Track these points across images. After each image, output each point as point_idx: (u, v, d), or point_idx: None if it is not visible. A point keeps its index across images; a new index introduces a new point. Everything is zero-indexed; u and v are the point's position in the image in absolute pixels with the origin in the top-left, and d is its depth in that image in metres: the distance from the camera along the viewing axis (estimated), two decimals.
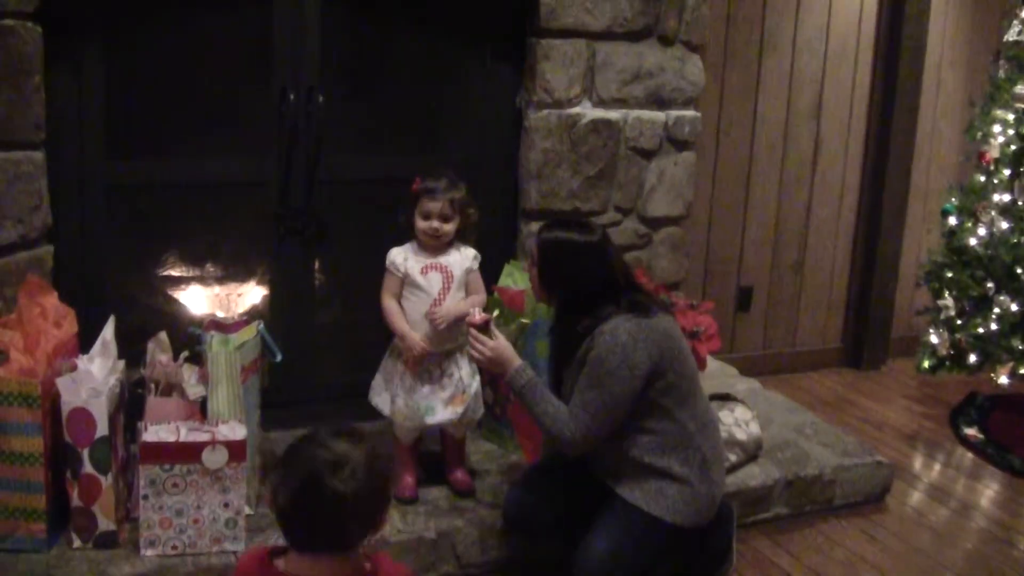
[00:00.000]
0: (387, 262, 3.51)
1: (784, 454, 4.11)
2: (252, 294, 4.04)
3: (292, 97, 3.76)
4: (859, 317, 5.76)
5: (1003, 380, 5.01)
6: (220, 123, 3.82)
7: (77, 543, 3.12)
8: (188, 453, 3.08)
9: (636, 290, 3.25)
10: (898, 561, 3.77)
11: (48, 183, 3.42)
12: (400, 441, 3.60)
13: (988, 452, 4.73)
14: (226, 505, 3.13)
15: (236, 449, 3.11)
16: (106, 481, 3.09)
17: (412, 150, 4.16)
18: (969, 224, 4.90)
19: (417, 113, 4.16)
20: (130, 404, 3.31)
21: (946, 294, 4.99)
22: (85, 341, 3.27)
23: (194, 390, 3.28)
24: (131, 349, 3.35)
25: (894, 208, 5.61)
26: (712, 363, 4.68)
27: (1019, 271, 4.70)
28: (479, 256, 3.59)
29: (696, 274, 5.19)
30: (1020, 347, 4.73)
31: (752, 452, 3.99)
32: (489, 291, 3.80)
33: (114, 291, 3.74)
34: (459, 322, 3.47)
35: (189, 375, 3.32)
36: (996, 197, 4.85)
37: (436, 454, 3.72)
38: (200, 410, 3.26)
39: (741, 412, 4.00)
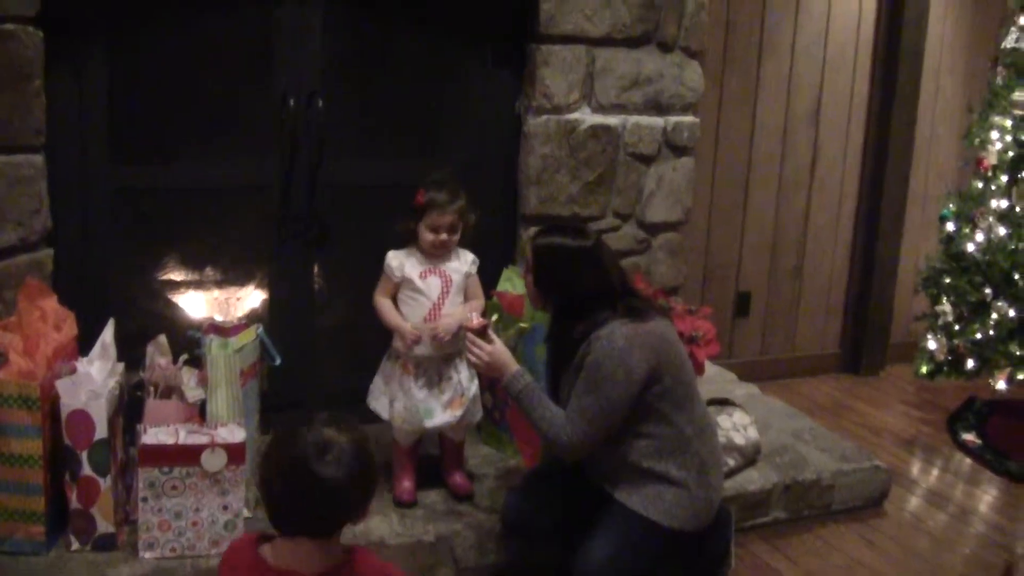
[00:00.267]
0: (385, 264, 3.52)
1: (782, 459, 4.12)
2: (252, 298, 4.05)
3: (293, 102, 3.77)
4: (857, 323, 5.76)
5: (1001, 385, 5.02)
6: (221, 127, 3.82)
7: (76, 545, 3.13)
8: (187, 456, 3.09)
9: (632, 295, 3.25)
10: (896, 566, 3.77)
11: (48, 186, 3.43)
12: (399, 444, 3.61)
13: (986, 457, 4.73)
14: (225, 508, 3.14)
15: (235, 452, 3.12)
16: (105, 483, 3.10)
17: (413, 154, 4.17)
18: (967, 230, 4.91)
19: (418, 117, 4.17)
20: (129, 407, 3.31)
21: (944, 300, 5.00)
22: (84, 344, 3.28)
23: (193, 393, 3.29)
24: (130, 352, 3.36)
25: (892, 214, 5.62)
26: (710, 368, 4.69)
27: (1017, 277, 4.71)
28: (477, 261, 3.60)
29: (695, 279, 5.20)
30: (1018, 352, 4.74)
31: (750, 457, 3.99)
32: (488, 296, 3.81)
33: (114, 294, 3.75)
34: (460, 329, 3.49)
35: (188, 378, 3.32)
36: (994, 203, 4.85)
37: (435, 458, 3.73)
38: (199, 413, 3.27)
39: (739, 417, 4.01)
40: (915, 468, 4.66)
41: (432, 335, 3.44)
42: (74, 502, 3.10)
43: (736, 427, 3.94)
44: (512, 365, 3.23)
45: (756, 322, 5.52)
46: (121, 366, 3.28)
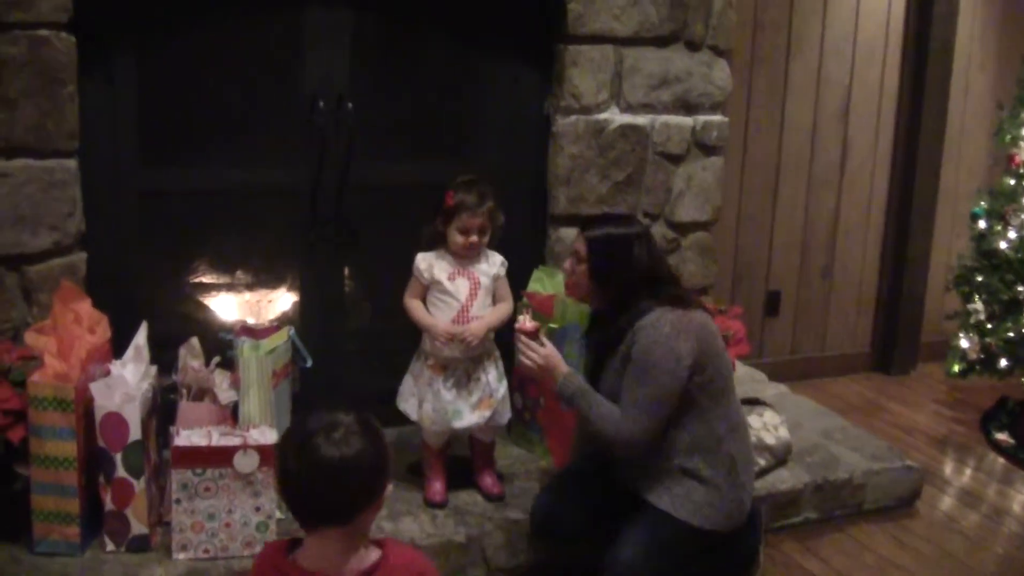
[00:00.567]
0: (414, 266, 3.53)
1: (813, 458, 4.11)
2: (283, 300, 4.07)
3: (322, 104, 3.78)
4: (888, 321, 5.73)
5: None
6: (251, 130, 3.85)
7: (110, 547, 3.15)
8: (220, 457, 3.11)
9: (675, 284, 3.28)
10: (929, 566, 3.76)
11: (81, 190, 3.46)
12: (429, 445, 3.62)
13: (1019, 457, 4.70)
14: (257, 509, 3.16)
15: (267, 453, 3.13)
16: (139, 485, 3.12)
17: (441, 155, 4.17)
18: (999, 228, 4.87)
19: (446, 119, 4.18)
20: (162, 409, 3.33)
21: (976, 298, 4.96)
22: (118, 347, 3.31)
23: (225, 395, 3.31)
24: (163, 355, 3.38)
25: (923, 212, 5.59)
26: (740, 368, 4.67)
27: None
28: (506, 263, 3.61)
29: (724, 279, 5.19)
30: None
31: (781, 456, 3.98)
32: (518, 296, 3.81)
33: (146, 297, 3.77)
34: (487, 332, 3.52)
35: (220, 380, 3.34)
36: None
37: (466, 459, 3.74)
38: (231, 415, 3.29)
39: (770, 416, 4.00)
40: (947, 468, 4.63)
41: (460, 339, 3.45)
42: (108, 504, 3.13)
43: (766, 427, 3.93)
44: (563, 367, 3.23)
45: (786, 321, 5.50)
46: (154, 368, 3.30)
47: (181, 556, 3.13)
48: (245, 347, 3.32)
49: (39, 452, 3.05)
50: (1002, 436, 4.91)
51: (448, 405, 3.51)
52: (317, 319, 4.01)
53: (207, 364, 3.38)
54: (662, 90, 4.21)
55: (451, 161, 4.12)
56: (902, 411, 5.24)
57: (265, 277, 4.06)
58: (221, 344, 3.45)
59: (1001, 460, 4.73)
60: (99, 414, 3.07)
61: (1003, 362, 4.88)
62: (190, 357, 3.35)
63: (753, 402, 4.10)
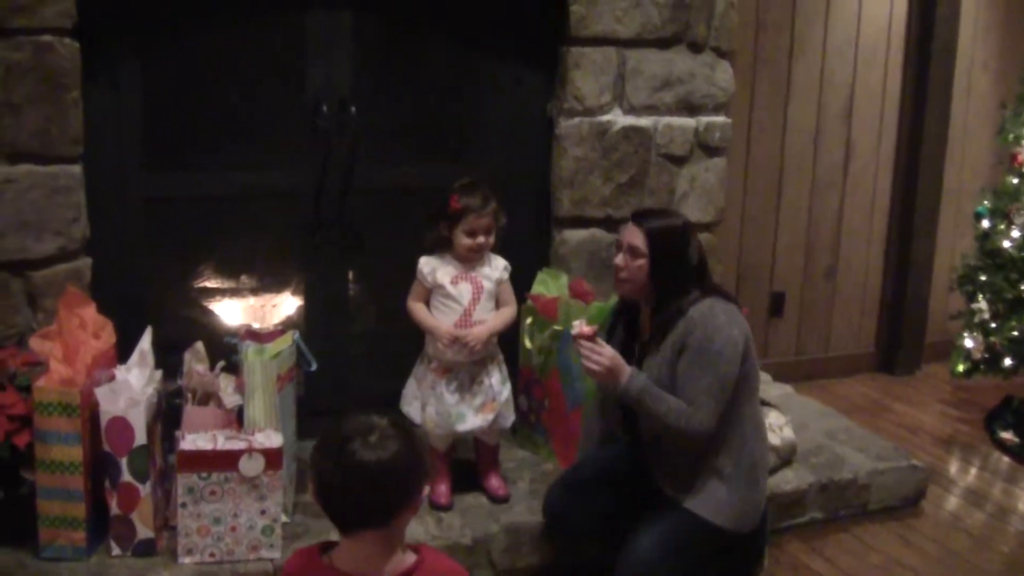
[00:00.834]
0: (417, 270, 3.54)
1: (818, 459, 4.11)
2: (287, 304, 4.07)
3: (325, 108, 3.79)
4: (892, 322, 5.73)
5: None
6: (254, 134, 3.85)
7: (116, 551, 3.16)
8: (225, 461, 3.11)
9: (710, 274, 3.31)
10: (934, 565, 3.75)
11: (86, 196, 3.47)
12: (433, 448, 3.62)
13: None
14: (263, 512, 3.16)
15: (273, 457, 3.14)
16: (144, 489, 3.13)
17: (445, 158, 4.18)
18: (1002, 227, 4.87)
19: (449, 121, 4.19)
20: (167, 413, 3.34)
21: (980, 297, 4.95)
22: (123, 352, 3.31)
23: (231, 399, 3.32)
24: (168, 359, 3.39)
25: (926, 211, 5.58)
26: None
27: None
28: (509, 267, 3.61)
29: (728, 280, 5.19)
30: None
31: (786, 457, 3.98)
32: (522, 299, 3.82)
33: (151, 302, 3.78)
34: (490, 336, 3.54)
35: (225, 384, 3.35)
36: None
37: (471, 462, 3.74)
38: (237, 419, 3.30)
39: (775, 417, 4.00)
40: (952, 467, 4.63)
41: (464, 342, 3.45)
42: (114, 508, 3.14)
43: (772, 427, 3.93)
44: (627, 367, 3.16)
45: (790, 322, 5.50)
46: (159, 373, 3.31)
47: (187, 560, 3.14)
48: (250, 351, 3.32)
49: (44, 457, 3.06)
50: (1007, 435, 4.91)
51: (451, 408, 3.52)
52: (321, 323, 4.02)
53: (212, 368, 3.39)
54: (665, 92, 4.21)
55: (454, 164, 4.13)
56: (907, 411, 5.24)
57: (269, 281, 4.07)
58: (226, 348, 3.46)
59: (1006, 459, 4.72)
60: (104, 419, 3.08)
61: (1008, 361, 4.87)
62: (195, 361, 3.36)
63: None
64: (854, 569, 3.71)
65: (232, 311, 3.98)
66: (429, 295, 3.55)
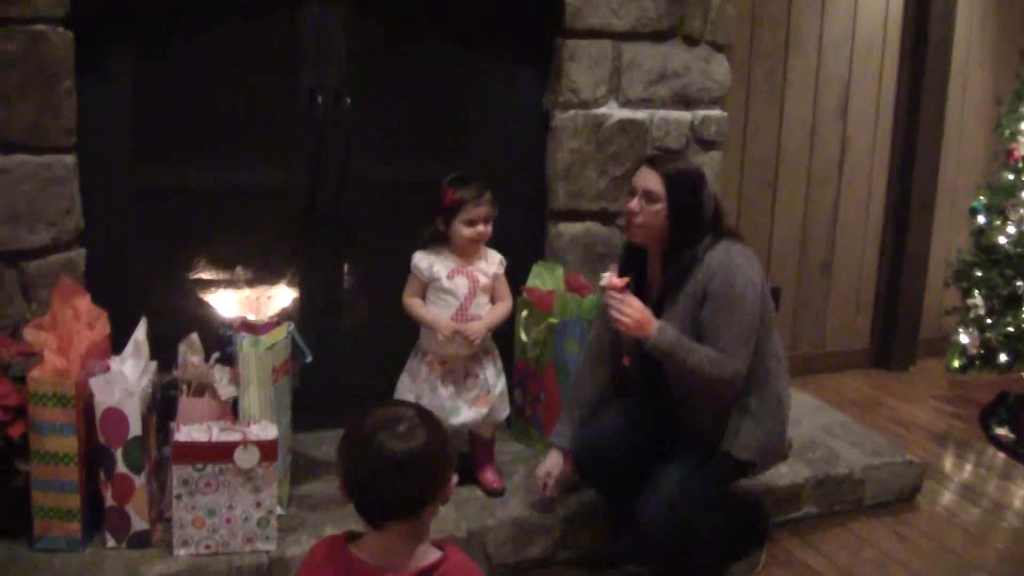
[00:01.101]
0: (412, 265, 3.53)
1: (813, 454, 4.11)
2: (282, 296, 4.06)
3: (320, 100, 3.78)
4: (888, 317, 5.73)
5: None
6: (248, 127, 3.84)
7: (111, 543, 3.15)
8: (220, 453, 3.10)
9: (722, 217, 3.28)
10: (929, 560, 3.75)
11: (80, 187, 3.45)
12: None
13: (1019, 452, 4.70)
14: (258, 504, 3.15)
15: (268, 449, 3.13)
16: (139, 481, 3.12)
17: (440, 152, 4.17)
18: (998, 222, 4.87)
19: (444, 115, 4.18)
20: (162, 405, 3.33)
21: (975, 293, 4.96)
22: (117, 343, 3.30)
23: (226, 391, 3.30)
24: (163, 351, 3.38)
25: (922, 207, 5.59)
26: None
27: None
28: (505, 261, 3.61)
29: None
30: None
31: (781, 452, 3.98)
32: (517, 292, 3.81)
33: (145, 293, 3.78)
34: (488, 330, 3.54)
35: (220, 376, 3.34)
36: None
37: (466, 455, 3.73)
38: (232, 410, 3.29)
39: None
40: (947, 463, 4.63)
41: (465, 336, 3.45)
42: (109, 500, 3.13)
43: None
44: (654, 320, 3.10)
45: (786, 318, 5.49)
46: (154, 364, 3.30)
47: (182, 552, 3.13)
48: (245, 343, 3.31)
49: (39, 448, 3.05)
50: (1002, 431, 4.91)
51: (445, 402, 3.51)
52: (315, 316, 4.01)
53: (207, 360, 3.37)
54: (660, 85, 4.20)
55: (449, 158, 4.12)
56: (902, 407, 5.24)
57: (264, 273, 4.05)
58: (221, 340, 3.45)
59: (1001, 455, 4.72)
60: (99, 410, 3.07)
61: (1003, 357, 4.88)
62: (190, 353, 3.35)
63: None
64: (849, 564, 3.70)
65: (227, 303, 3.97)
66: (425, 290, 3.54)
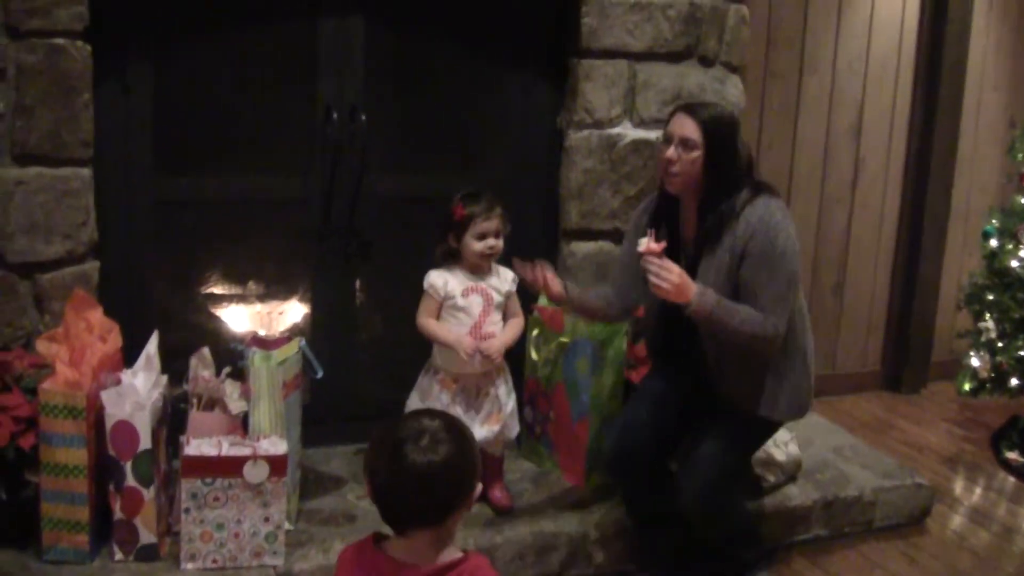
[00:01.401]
0: (426, 284, 3.53)
1: (823, 475, 4.10)
2: (294, 311, 4.07)
3: (336, 115, 3.79)
4: (899, 340, 5.71)
5: None
6: (264, 141, 3.86)
7: (119, 556, 3.16)
8: (229, 467, 3.11)
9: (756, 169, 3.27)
10: None
11: (95, 199, 3.47)
12: None
13: None
14: (267, 519, 3.16)
15: (277, 464, 3.14)
16: (148, 494, 3.12)
17: (454, 168, 4.18)
18: (1010, 246, 4.85)
19: (458, 131, 4.19)
20: (173, 418, 3.34)
21: (987, 316, 4.94)
22: (129, 356, 3.31)
23: (236, 405, 3.31)
24: (174, 364, 3.39)
25: (934, 230, 5.57)
26: None
27: None
28: (517, 279, 3.61)
29: None
30: None
31: (791, 473, 3.97)
32: (529, 311, 3.82)
33: (158, 306, 3.79)
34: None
35: (231, 390, 3.34)
36: None
37: None
38: (242, 425, 3.29)
39: (780, 433, 3.97)
40: (958, 486, 4.61)
41: (485, 355, 3.45)
42: (118, 512, 3.13)
43: (777, 443, 3.91)
44: (693, 283, 3.05)
45: None
46: (165, 378, 3.31)
47: (189, 566, 3.14)
48: (256, 357, 3.32)
49: (49, 460, 3.06)
50: (1012, 455, 4.89)
51: None
52: (327, 330, 4.01)
53: (218, 374, 3.38)
54: (675, 105, 4.19)
55: (463, 174, 4.13)
56: (913, 429, 5.22)
57: (277, 288, 4.06)
58: (232, 354, 3.46)
59: (1011, 479, 4.71)
60: (110, 422, 3.08)
61: (1014, 381, 4.85)
62: (201, 367, 3.36)
63: None
64: None
65: (239, 317, 3.98)
66: (440, 309, 3.54)
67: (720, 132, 3.13)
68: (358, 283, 4.09)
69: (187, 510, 3.11)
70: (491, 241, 3.47)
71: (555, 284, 3.37)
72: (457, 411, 3.50)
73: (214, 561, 3.15)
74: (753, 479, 3.82)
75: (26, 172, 3.32)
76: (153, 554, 3.17)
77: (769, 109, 5.11)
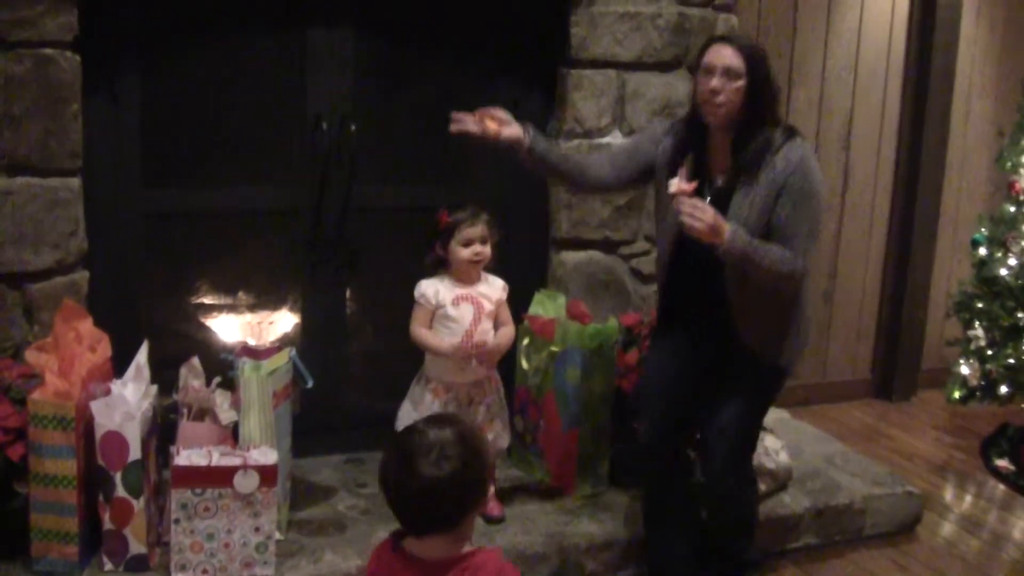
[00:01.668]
0: (417, 294, 3.52)
1: (814, 483, 4.10)
2: (284, 321, 4.07)
3: (325, 126, 3.80)
4: (889, 348, 5.72)
5: None
6: (254, 151, 3.86)
7: (109, 566, 3.15)
8: (220, 477, 3.10)
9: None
10: None
11: (84, 209, 3.47)
12: None
13: (1019, 483, 4.68)
14: (257, 529, 3.15)
15: (267, 474, 3.13)
16: (138, 505, 3.12)
17: (444, 178, 4.18)
18: (999, 254, 4.87)
19: (448, 141, 4.17)
20: (162, 428, 3.33)
21: (976, 324, 4.95)
22: (119, 366, 3.31)
23: (226, 415, 3.31)
24: (164, 374, 3.38)
25: (924, 238, 5.59)
26: None
27: None
28: (507, 287, 3.61)
29: None
30: None
31: (782, 481, 3.98)
32: (519, 320, 3.82)
33: (148, 317, 3.79)
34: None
35: (221, 400, 3.34)
36: None
37: None
38: (232, 435, 3.29)
39: (771, 441, 3.99)
40: (948, 494, 4.62)
41: (479, 360, 3.45)
42: (107, 523, 3.13)
43: (767, 452, 3.92)
44: (726, 224, 2.97)
45: None
46: (154, 388, 3.31)
47: None
48: (246, 367, 3.32)
49: (38, 470, 3.05)
50: (1002, 463, 4.90)
51: None
52: (318, 341, 4.01)
53: (208, 384, 3.38)
54: (664, 115, 4.21)
55: (453, 184, 4.14)
56: (902, 437, 5.23)
57: (266, 298, 4.06)
58: (222, 364, 3.46)
59: (1001, 487, 4.71)
60: (99, 433, 3.07)
61: (1003, 388, 4.86)
62: (191, 377, 3.36)
63: None
64: None
65: (229, 327, 3.97)
66: (432, 319, 3.54)
67: (760, 61, 3.10)
68: (348, 293, 4.09)
69: (177, 520, 3.11)
70: (477, 247, 3.47)
71: (510, 128, 3.32)
72: None
73: (204, 571, 3.14)
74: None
75: (15, 182, 3.32)
76: (143, 565, 3.16)
77: None
